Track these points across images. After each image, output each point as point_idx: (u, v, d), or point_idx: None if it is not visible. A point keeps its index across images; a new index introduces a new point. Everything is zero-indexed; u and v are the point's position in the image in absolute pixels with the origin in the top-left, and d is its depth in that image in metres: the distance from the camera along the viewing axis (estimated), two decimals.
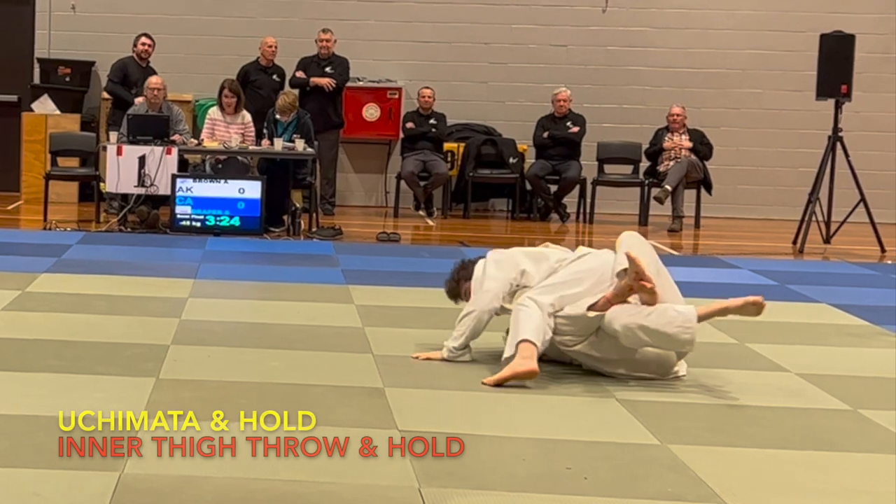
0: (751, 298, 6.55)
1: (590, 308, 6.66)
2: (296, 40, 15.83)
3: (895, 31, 16.57)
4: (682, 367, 6.86)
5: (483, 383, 6.55)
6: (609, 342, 6.68)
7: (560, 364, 6.96)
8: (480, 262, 7.18)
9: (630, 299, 6.60)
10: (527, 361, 6.52)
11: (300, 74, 15.40)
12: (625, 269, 6.57)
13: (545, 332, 6.66)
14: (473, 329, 6.98)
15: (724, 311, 6.65)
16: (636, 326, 6.51)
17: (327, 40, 15.51)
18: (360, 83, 16.18)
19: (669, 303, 6.65)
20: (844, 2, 16.43)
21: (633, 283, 6.52)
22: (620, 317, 6.56)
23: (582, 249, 7.08)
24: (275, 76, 15.43)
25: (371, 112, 16.23)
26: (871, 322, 8.81)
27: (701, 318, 6.59)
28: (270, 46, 15.38)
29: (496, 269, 7.06)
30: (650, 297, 6.54)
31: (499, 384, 6.50)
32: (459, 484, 4.86)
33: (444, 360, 7.02)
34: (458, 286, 7.34)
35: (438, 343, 7.24)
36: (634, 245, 6.72)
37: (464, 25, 16.56)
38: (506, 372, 6.54)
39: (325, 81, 15.35)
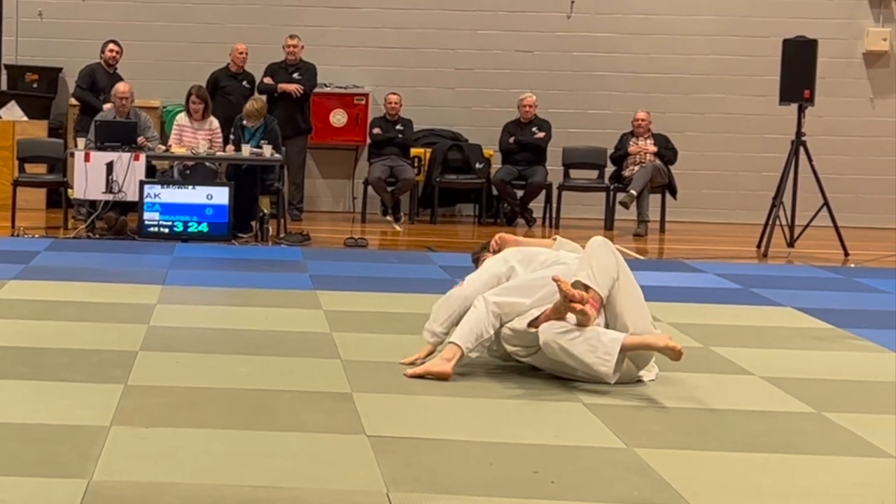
0: (671, 343, 6.51)
1: (530, 323, 6.72)
2: (264, 46, 15.84)
3: (857, 36, 16.70)
4: (651, 373, 6.90)
5: (404, 374, 6.72)
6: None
7: (529, 370, 7.01)
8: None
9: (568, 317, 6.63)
10: (444, 363, 6.72)
11: (268, 80, 15.41)
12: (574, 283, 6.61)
13: (480, 334, 6.76)
14: (449, 312, 7.00)
15: (647, 347, 6.64)
16: (558, 347, 6.56)
17: (294, 46, 15.53)
18: (328, 89, 16.20)
19: (626, 314, 6.69)
20: (807, 7, 16.54)
21: (564, 304, 6.56)
22: (546, 333, 6.60)
23: (561, 255, 7.12)
24: (245, 83, 15.42)
25: (338, 118, 16.26)
26: (834, 325, 8.86)
27: (626, 349, 6.58)
28: (241, 53, 15.38)
29: (491, 262, 7.15)
30: (582, 319, 6.54)
31: (416, 376, 6.70)
32: (427, 488, 4.89)
33: (430, 353, 7.02)
34: (480, 254, 7.50)
35: (406, 347, 7.27)
36: (596, 254, 6.74)
37: (430, 31, 16.60)
38: (420, 369, 6.76)
39: (292, 87, 15.36)
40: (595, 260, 6.70)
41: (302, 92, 15.41)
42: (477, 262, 7.52)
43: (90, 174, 12.92)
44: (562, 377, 6.81)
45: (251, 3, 16.57)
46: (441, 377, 6.69)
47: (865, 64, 16.75)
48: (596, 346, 6.53)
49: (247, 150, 13.44)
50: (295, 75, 15.51)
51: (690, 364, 7.28)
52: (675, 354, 6.50)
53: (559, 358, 6.61)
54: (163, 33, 16.45)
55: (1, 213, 14.51)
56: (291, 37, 15.61)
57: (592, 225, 15.15)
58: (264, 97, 14.89)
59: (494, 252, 7.37)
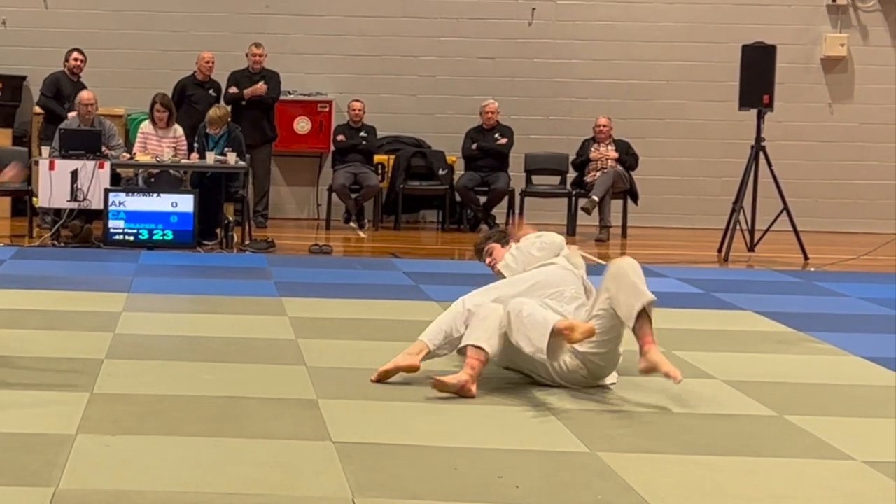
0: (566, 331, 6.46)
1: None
2: (227, 54, 15.83)
3: (815, 42, 16.83)
4: (612, 376, 6.96)
5: (378, 371, 6.82)
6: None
7: (494, 374, 7.06)
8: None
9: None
10: (410, 357, 6.80)
11: (234, 90, 15.40)
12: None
13: (449, 332, 6.83)
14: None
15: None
16: (511, 324, 6.57)
17: (259, 55, 15.53)
18: (291, 96, 16.21)
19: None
20: (765, 13, 16.66)
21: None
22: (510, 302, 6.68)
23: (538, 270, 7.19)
24: (211, 91, 15.40)
25: (302, 125, 16.28)
26: (795, 329, 8.93)
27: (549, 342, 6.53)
28: (208, 62, 15.36)
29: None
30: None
31: (383, 371, 6.81)
32: (393, 494, 4.93)
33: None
34: (485, 244, 7.58)
35: (372, 353, 7.31)
36: (617, 284, 6.69)
37: (393, 39, 16.64)
38: (389, 364, 6.84)
39: (260, 87, 15.36)
40: (613, 287, 6.69)
41: (267, 92, 15.42)
42: (481, 252, 7.57)
43: (55, 182, 12.90)
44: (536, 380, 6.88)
45: (215, 11, 16.57)
46: (408, 370, 6.76)
47: (823, 69, 16.88)
48: (534, 339, 6.51)
49: (211, 157, 13.45)
50: (260, 83, 15.51)
51: None
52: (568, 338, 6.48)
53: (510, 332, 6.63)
54: (127, 41, 16.43)
55: None
56: (256, 45, 15.61)
57: (555, 230, 15.16)
58: (228, 106, 14.88)
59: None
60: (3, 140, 15.47)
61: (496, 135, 15.81)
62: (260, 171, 15.38)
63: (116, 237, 12.84)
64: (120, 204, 12.85)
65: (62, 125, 13.65)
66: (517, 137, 15.88)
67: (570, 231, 15.32)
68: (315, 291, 10.19)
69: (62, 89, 14.77)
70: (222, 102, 15.12)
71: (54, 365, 7.09)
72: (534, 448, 5.68)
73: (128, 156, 13.74)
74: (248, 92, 15.34)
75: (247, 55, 15.59)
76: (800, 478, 5.35)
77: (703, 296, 10.59)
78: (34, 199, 13.77)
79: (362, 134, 15.80)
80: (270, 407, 6.26)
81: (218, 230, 13.42)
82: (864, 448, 5.81)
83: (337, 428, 5.87)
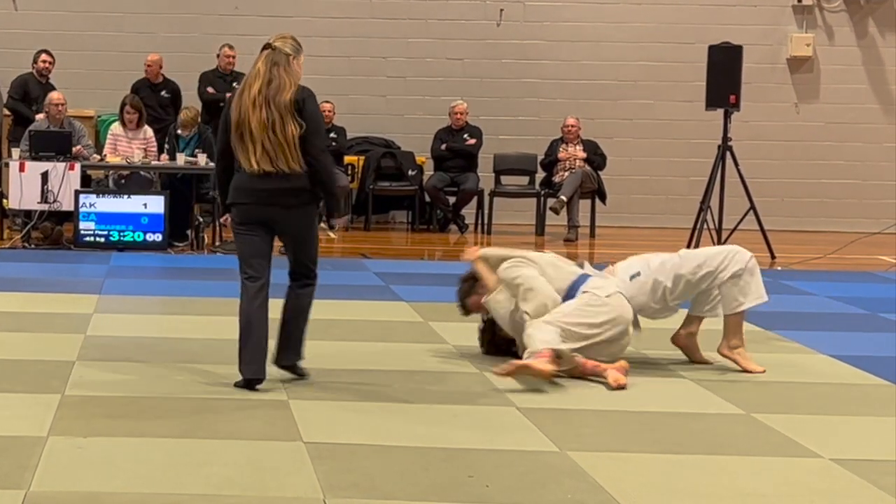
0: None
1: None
2: (197, 55, 15.83)
3: (781, 42, 16.93)
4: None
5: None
6: None
7: (464, 372, 7.10)
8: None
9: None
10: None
11: (211, 91, 15.34)
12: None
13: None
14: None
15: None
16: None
17: (232, 56, 15.48)
18: None
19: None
20: (732, 14, 16.74)
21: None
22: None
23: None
24: (163, 92, 15.32)
25: None
26: (763, 328, 8.95)
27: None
28: (150, 65, 15.22)
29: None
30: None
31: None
32: (364, 494, 4.96)
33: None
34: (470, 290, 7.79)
35: (342, 353, 7.34)
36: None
37: (362, 40, 16.66)
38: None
39: None
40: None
41: None
42: (464, 306, 7.84)
43: (25, 184, 12.88)
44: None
45: (184, 12, 16.57)
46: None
47: (790, 69, 16.98)
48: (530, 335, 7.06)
49: (181, 159, 13.44)
50: (234, 85, 15.47)
51: None
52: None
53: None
54: (96, 43, 16.40)
55: None
56: (230, 47, 15.53)
57: (524, 231, 15.28)
58: (198, 107, 14.84)
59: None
60: None
61: (465, 135, 15.85)
62: None
63: (87, 239, 12.82)
64: (90, 205, 12.83)
65: (32, 127, 13.62)
66: (486, 138, 15.92)
67: (539, 231, 15.37)
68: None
69: (30, 91, 14.73)
70: (186, 103, 15.01)
71: (25, 367, 7.09)
72: (504, 447, 5.71)
73: (98, 157, 13.71)
74: (229, 96, 15.27)
75: (218, 56, 15.54)
76: (768, 475, 5.39)
77: None
78: (4, 200, 13.72)
79: (332, 135, 15.78)
80: (242, 408, 6.29)
81: (189, 231, 13.42)
82: (831, 445, 5.86)
83: (308, 428, 5.90)
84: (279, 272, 7.00)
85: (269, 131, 6.75)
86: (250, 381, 6.72)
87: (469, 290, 7.77)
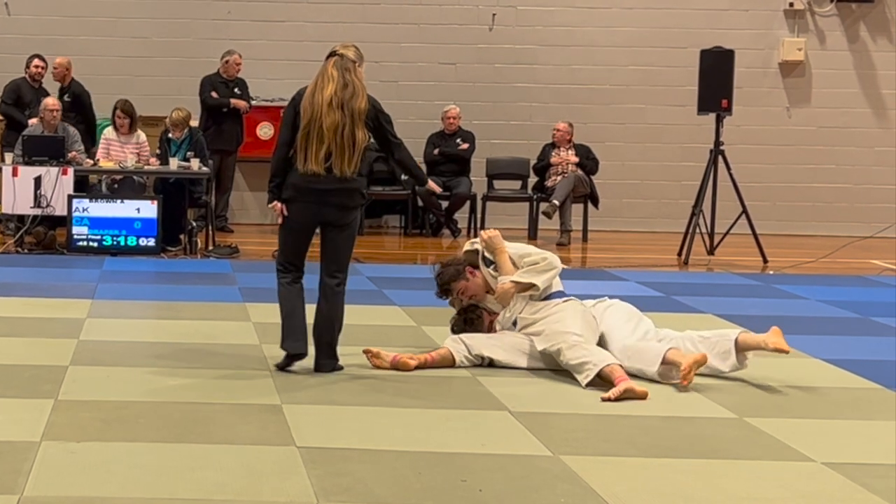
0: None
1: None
2: (190, 60, 15.83)
3: (773, 46, 16.95)
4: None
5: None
6: None
7: (457, 377, 7.10)
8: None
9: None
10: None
11: (215, 95, 15.33)
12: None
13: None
14: None
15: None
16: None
17: (239, 63, 15.47)
18: (255, 102, 16.19)
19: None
20: (723, 18, 16.77)
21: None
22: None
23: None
24: (66, 96, 15.11)
25: (265, 131, 16.27)
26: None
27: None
28: (57, 67, 15.04)
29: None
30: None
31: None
32: (357, 499, 4.98)
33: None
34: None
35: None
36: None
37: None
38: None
39: (242, 105, 15.38)
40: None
41: (248, 109, 15.49)
42: (447, 290, 7.83)
43: (18, 189, 12.87)
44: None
45: (177, 17, 16.56)
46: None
47: (781, 73, 17.00)
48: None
49: (174, 163, 13.42)
50: (236, 90, 15.50)
51: None
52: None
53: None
54: (88, 48, 16.38)
55: None
56: (233, 52, 15.49)
57: (517, 235, 15.25)
58: (189, 109, 14.82)
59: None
60: None
61: (458, 140, 15.86)
62: (229, 177, 15.42)
63: (80, 243, 12.82)
64: (83, 210, 12.83)
65: (25, 132, 13.61)
66: (479, 142, 15.94)
67: (532, 235, 15.38)
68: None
69: (23, 96, 14.72)
70: (178, 105, 14.97)
71: (18, 372, 7.09)
72: (497, 452, 5.72)
73: (91, 162, 13.71)
74: (234, 103, 15.31)
75: (227, 62, 15.44)
76: (760, 479, 5.40)
77: (664, 299, 10.65)
78: None
79: None
80: (235, 412, 6.30)
81: (182, 236, 13.41)
82: (823, 449, 5.88)
83: (301, 433, 5.91)
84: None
85: (338, 134, 6.99)
86: (291, 357, 7.20)
87: (456, 275, 7.77)
